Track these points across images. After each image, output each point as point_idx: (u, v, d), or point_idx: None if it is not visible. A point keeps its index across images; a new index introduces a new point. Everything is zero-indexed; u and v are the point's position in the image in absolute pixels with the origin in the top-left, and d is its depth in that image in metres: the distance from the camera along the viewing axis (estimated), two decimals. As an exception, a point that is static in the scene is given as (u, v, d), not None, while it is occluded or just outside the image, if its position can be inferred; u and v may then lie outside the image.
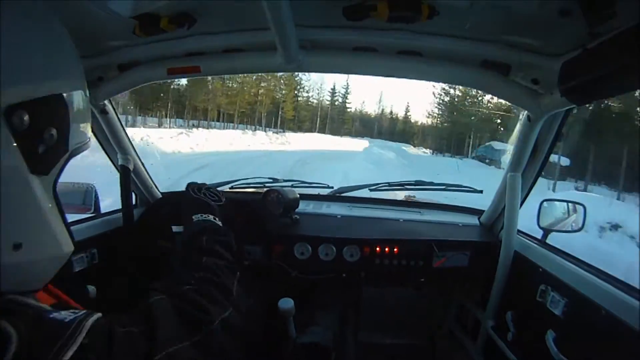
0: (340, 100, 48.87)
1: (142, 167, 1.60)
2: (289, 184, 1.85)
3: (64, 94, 0.45)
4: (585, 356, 0.99)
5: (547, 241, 1.37)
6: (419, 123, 53.46)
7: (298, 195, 1.55)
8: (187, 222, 0.86)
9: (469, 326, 1.72)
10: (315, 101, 47.09)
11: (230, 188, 1.87)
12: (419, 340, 1.88)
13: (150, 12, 0.92)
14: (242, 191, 1.87)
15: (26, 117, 0.40)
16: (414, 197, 2.15)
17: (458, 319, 1.83)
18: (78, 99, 0.47)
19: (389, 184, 1.93)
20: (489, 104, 34.15)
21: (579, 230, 1.37)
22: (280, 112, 40.96)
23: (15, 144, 0.39)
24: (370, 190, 1.90)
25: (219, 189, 1.84)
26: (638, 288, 0.91)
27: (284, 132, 31.24)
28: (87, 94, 0.51)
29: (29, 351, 0.36)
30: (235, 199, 1.66)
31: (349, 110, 49.85)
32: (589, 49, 0.82)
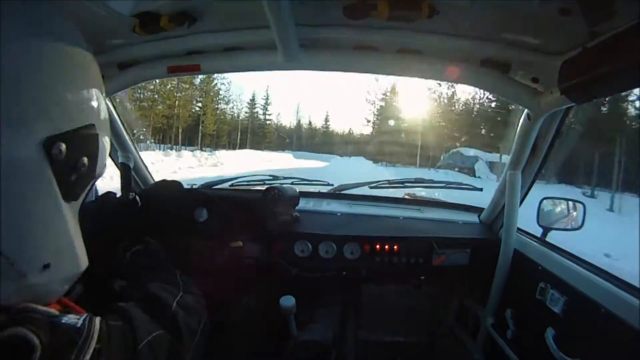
0: (260, 111, 41.97)
1: (142, 164, 1.60)
2: (289, 181, 1.85)
3: (95, 124, 0.47)
4: (585, 354, 0.99)
5: (547, 239, 1.37)
6: (354, 133, 49.75)
7: (298, 193, 1.55)
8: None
9: (468, 324, 1.72)
10: (234, 113, 40.41)
11: (230, 186, 1.87)
12: (419, 338, 1.89)
13: (151, 10, 0.92)
14: (243, 189, 1.87)
15: (63, 148, 0.42)
16: (414, 194, 2.15)
17: (458, 317, 1.84)
18: (106, 127, 0.50)
19: (389, 182, 1.93)
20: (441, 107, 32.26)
21: (579, 228, 1.37)
22: (200, 127, 35.26)
23: (51, 174, 0.42)
24: (370, 187, 1.91)
25: (218, 186, 1.86)
26: (637, 286, 0.92)
27: (212, 151, 25.38)
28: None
29: (51, 358, 0.37)
30: (235, 196, 1.66)
31: (269, 122, 42.64)
32: (588, 47, 0.82)
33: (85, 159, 0.45)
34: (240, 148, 34.26)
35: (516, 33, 0.95)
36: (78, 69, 0.46)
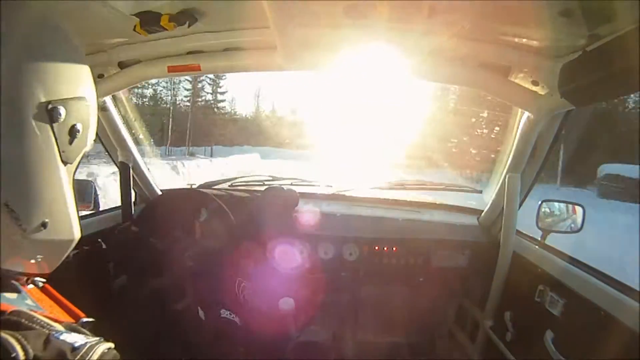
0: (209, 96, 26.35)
1: (141, 164, 1.60)
2: (289, 182, 1.85)
3: (86, 98, 0.52)
4: (584, 356, 0.99)
5: (546, 242, 1.37)
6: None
7: (298, 194, 1.55)
8: None
9: (467, 326, 1.72)
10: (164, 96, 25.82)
11: (230, 186, 1.87)
12: (417, 340, 1.88)
13: (151, 10, 0.92)
14: (242, 189, 1.87)
15: (63, 111, 0.46)
16: (414, 196, 2.15)
17: (457, 319, 1.84)
18: (94, 105, 0.54)
19: (389, 184, 1.93)
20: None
21: (578, 231, 1.37)
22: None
23: (52, 134, 0.46)
24: (370, 189, 1.90)
25: (218, 186, 1.86)
26: (636, 289, 0.92)
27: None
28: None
29: None
30: (235, 197, 1.66)
31: (221, 109, 27.54)
32: (588, 51, 0.82)
33: (80, 125, 0.49)
34: (177, 145, 23.30)
35: (516, 35, 0.95)
36: (68, 48, 0.51)
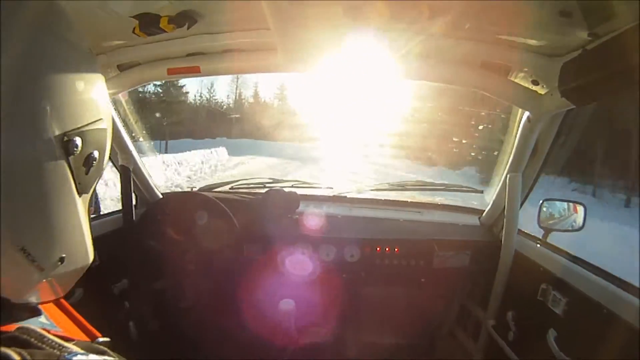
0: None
1: (142, 167, 1.60)
2: (290, 184, 1.85)
3: (103, 119, 0.49)
4: (587, 355, 0.99)
5: (548, 240, 1.37)
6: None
7: (298, 196, 1.55)
8: None
9: (469, 326, 1.72)
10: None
11: (230, 188, 1.87)
12: (419, 340, 1.88)
13: (151, 12, 0.92)
14: (243, 192, 1.87)
15: (79, 142, 0.43)
16: (415, 197, 2.15)
17: (458, 319, 1.83)
18: (109, 122, 0.52)
19: (389, 184, 1.93)
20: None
21: (580, 229, 1.37)
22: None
23: (68, 168, 0.43)
24: (371, 190, 1.90)
25: (218, 189, 1.86)
26: (638, 287, 0.92)
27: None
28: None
29: None
30: (235, 199, 1.66)
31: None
32: (588, 49, 0.82)
33: (96, 153, 0.47)
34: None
35: (516, 35, 0.95)
36: (85, 66, 0.47)
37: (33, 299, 0.45)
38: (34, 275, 0.42)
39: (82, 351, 0.41)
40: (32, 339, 0.38)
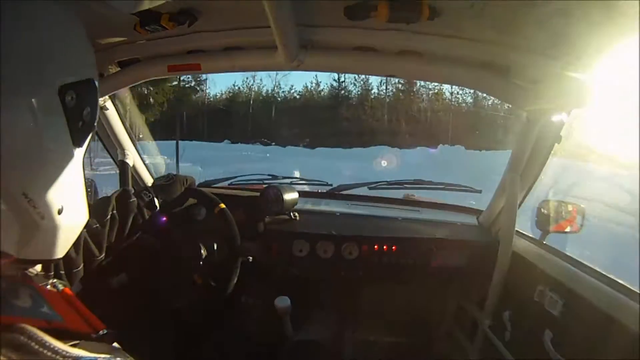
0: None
1: (141, 163, 1.60)
2: (288, 181, 1.85)
3: (94, 80, 0.52)
4: (583, 356, 0.99)
5: (545, 242, 1.37)
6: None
7: (297, 193, 1.55)
8: None
9: (466, 325, 1.72)
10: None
11: (229, 185, 1.87)
12: (416, 339, 1.89)
13: (151, 9, 0.92)
14: (241, 188, 1.87)
15: (74, 96, 0.46)
16: (413, 195, 2.15)
17: (455, 318, 1.84)
18: (98, 86, 0.54)
19: (388, 183, 1.93)
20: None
21: (578, 231, 1.37)
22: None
23: (64, 119, 0.46)
24: (369, 188, 1.90)
25: (217, 185, 1.86)
26: (635, 289, 0.92)
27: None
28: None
29: None
30: (234, 195, 1.66)
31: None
32: (588, 50, 0.82)
33: (88, 108, 0.50)
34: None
35: (516, 36, 0.95)
36: (79, 29, 0.52)
37: (33, 255, 0.46)
38: (34, 223, 0.43)
39: (88, 355, 0.40)
40: (32, 343, 0.36)
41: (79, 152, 0.50)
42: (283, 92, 21.15)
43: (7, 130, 0.38)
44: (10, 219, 0.41)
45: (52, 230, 0.46)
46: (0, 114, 0.38)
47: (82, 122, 0.49)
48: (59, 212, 0.46)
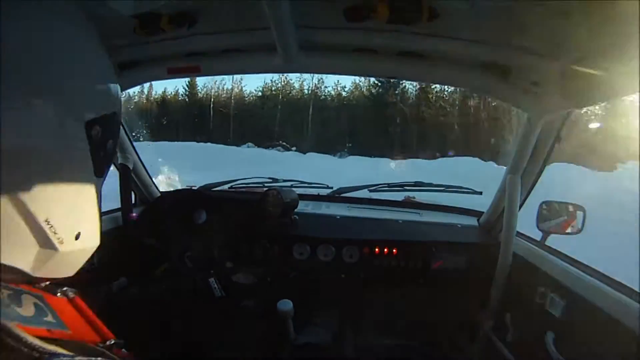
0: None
1: (141, 166, 1.60)
2: (289, 184, 1.85)
3: (117, 112, 0.54)
4: (585, 358, 0.99)
5: (546, 243, 1.37)
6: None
7: (297, 196, 1.55)
8: None
9: (467, 327, 1.72)
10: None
11: (229, 188, 1.87)
12: (417, 342, 1.88)
13: (151, 11, 0.92)
14: (242, 191, 1.87)
15: (99, 130, 0.49)
16: (414, 198, 2.15)
17: (457, 321, 1.83)
18: (121, 117, 0.56)
19: (388, 185, 1.92)
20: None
21: (579, 232, 1.37)
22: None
23: (89, 152, 0.48)
24: (370, 191, 1.90)
25: (217, 188, 1.86)
26: (637, 290, 0.91)
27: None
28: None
29: None
30: (234, 198, 1.66)
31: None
32: (589, 51, 0.82)
33: (111, 142, 0.53)
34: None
35: (516, 37, 0.95)
36: (105, 61, 0.53)
37: (49, 275, 0.48)
38: (53, 247, 0.45)
39: (67, 353, 0.39)
40: (9, 337, 0.36)
41: (100, 181, 0.52)
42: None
43: (37, 161, 0.41)
44: (30, 241, 0.43)
45: (68, 254, 0.48)
46: (32, 145, 0.41)
47: (104, 153, 0.51)
48: (77, 237, 0.48)
